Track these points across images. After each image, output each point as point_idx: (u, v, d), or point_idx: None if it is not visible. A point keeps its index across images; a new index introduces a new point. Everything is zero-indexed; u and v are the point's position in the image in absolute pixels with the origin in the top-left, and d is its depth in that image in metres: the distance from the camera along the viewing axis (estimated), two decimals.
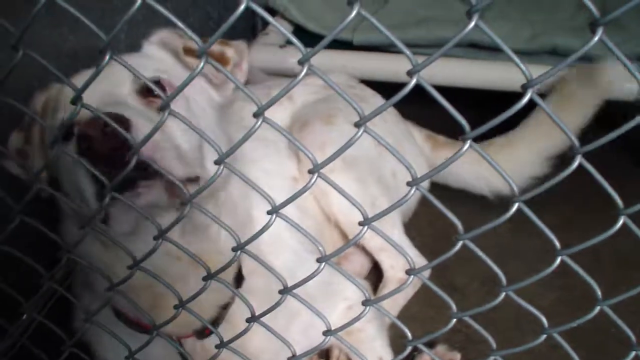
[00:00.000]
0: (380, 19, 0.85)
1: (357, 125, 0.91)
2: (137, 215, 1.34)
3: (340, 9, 3.47)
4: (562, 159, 2.66)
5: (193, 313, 1.36)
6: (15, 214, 1.30)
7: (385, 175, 2.51)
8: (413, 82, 0.86)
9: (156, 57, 1.75)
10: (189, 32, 0.92)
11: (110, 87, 1.51)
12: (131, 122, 1.32)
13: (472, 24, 0.80)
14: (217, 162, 1.04)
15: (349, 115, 2.47)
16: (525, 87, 0.85)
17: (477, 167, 2.81)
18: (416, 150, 2.79)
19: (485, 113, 0.92)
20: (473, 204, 2.68)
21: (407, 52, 0.84)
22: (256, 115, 0.95)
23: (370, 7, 3.41)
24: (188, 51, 1.72)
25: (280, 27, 0.90)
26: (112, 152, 1.27)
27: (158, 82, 1.57)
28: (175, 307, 1.32)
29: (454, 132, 2.88)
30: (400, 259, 2.44)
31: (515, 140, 2.79)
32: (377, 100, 2.74)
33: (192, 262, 1.48)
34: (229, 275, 1.71)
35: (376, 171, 2.47)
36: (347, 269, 2.27)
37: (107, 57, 0.97)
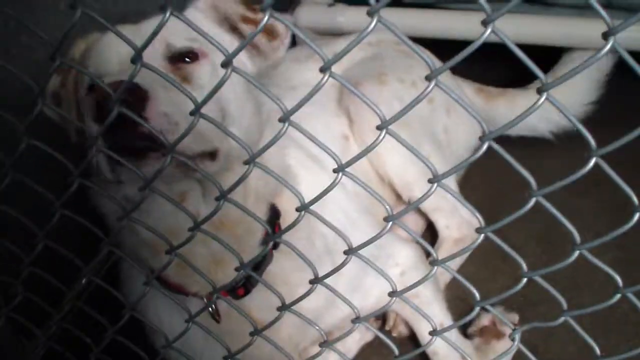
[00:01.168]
0: None
1: (428, 78, 0.88)
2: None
3: None
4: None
5: (247, 270, 1.35)
6: (74, 178, 1.30)
7: (438, 132, 2.49)
8: (488, 31, 0.83)
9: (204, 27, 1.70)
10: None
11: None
12: (149, 93, 1.30)
13: None
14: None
15: (398, 73, 2.45)
16: (606, 35, 0.80)
17: (540, 110, 2.76)
18: (470, 105, 2.72)
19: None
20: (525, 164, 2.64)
21: (483, 1, 0.80)
22: (323, 70, 0.92)
23: None
24: (245, 19, 1.68)
25: None
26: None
27: (191, 52, 1.54)
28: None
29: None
30: (455, 219, 2.42)
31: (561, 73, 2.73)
32: (422, 53, 2.66)
33: (213, 223, 1.48)
34: (256, 235, 1.67)
35: (429, 128, 2.44)
36: (401, 231, 2.24)
37: (168, 14, 0.94)
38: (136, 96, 1.28)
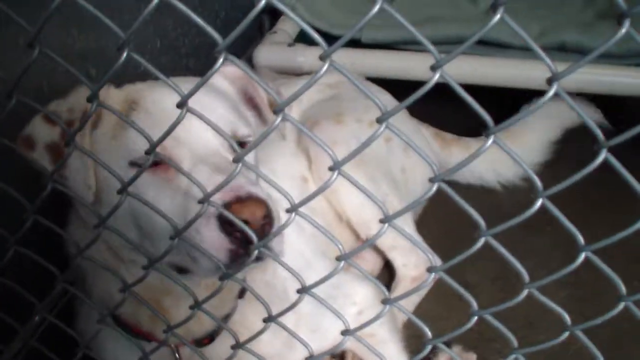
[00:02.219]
0: (387, 17, 0.83)
1: (379, 121, 0.90)
2: None
3: (347, 8, 3.47)
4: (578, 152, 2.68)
5: (209, 314, 1.34)
6: (29, 214, 1.29)
7: (395, 171, 2.51)
8: (436, 76, 0.85)
9: (227, 92, 1.72)
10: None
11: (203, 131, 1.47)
12: (273, 212, 1.34)
13: (498, 16, 0.79)
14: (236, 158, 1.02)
15: (356, 114, 2.48)
16: (551, 81, 0.83)
17: (489, 161, 2.83)
18: (425, 147, 2.79)
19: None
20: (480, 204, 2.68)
21: (431, 47, 0.83)
22: (276, 112, 0.94)
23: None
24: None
25: (299, 21, 0.88)
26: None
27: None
28: (191, 307, 1.31)
29: (453, 129, 2.96)
30: (412, 257, 2.44)
31: (516, 129, 2.87)
32: (384, 96, 2.74)
33: (206, 286, 1.56)
34: (234, 291, 1.73)
35: (386, 168, 2.46)
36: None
37: (125, 55, 0.95)
38: (269, 219, 1.33)
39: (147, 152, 1.08)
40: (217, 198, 1.21)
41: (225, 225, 1.29)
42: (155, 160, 1.33)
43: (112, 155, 1.47)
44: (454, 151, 2.91)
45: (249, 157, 1.58)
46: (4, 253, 1.40)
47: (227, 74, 1.73)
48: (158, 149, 1.25)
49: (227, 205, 1.25)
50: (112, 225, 1.25)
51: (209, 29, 0.90)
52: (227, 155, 1.46)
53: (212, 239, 1.31)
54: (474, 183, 2.94)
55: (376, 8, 0.80)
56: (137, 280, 1.30)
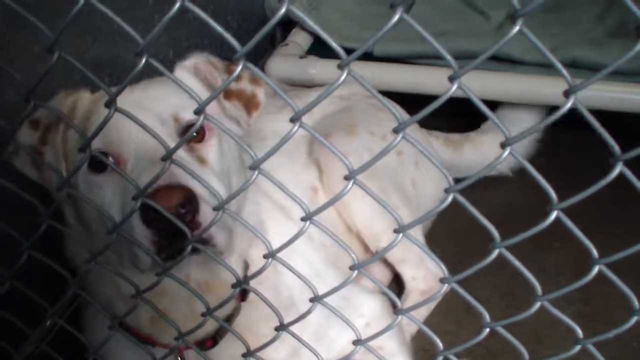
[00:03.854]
0: (400, 31, 0.84)
1: (396, 131, 0.90)
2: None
3: (359, 21, 3.49)
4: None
5: (218, 320, 1.35)
6: (44, 219, 1.30)
7: (406, 184, 2.52)
8: (454, 87, 0.85)
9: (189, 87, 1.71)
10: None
11: (152, 123, 1.47)
12: (198, 198, 1.36)
13: (517, 28, 0.79)
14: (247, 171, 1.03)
15: (368, 125, 2.49)
16: (568, 93, 0.84)
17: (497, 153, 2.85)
18: (437, 158, 2.78)
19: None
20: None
21: (449, 57, 0.84)
22: (293, 120, 0.94)
23: (388, 20, 3.39)
24: (227, 93, 1.73)
25: (322, 34, 0.88)
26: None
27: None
28: (203, 315, 1.32)
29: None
30: (422, 270, 2.44)
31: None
32: (395, 109, 2.71)
33: (200, 286, 1.62)
34: (229, 283, 1.71)
35: (397, 180, 2.47)
36: (367, 282, 2.26)
37: (144, 61, 0.96)
38: (191, 208, 1.34)
39: (80, 149, 1.15)
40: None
41: (147, 217, 1.31)
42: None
43: (77, 154, 1.56)
44: (466, 150, 2.97)
45: (213, 150, 1.61)
46: (16, 257, 1.41)
47: (186, 66, 1.77)
48: (107, 147, 1.46)
49: (148, 196, 1.23)
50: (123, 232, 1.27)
51: (228, 37, 0.91)
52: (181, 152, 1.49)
53: (137, 231, 1.34)
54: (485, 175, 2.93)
55: (396, 18, 0.80)
56: (150, 286, 1.31)
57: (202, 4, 2.85)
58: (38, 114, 1.59)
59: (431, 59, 3.15)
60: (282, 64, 3.31)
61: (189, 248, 1.21)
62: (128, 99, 1.46)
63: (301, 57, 3.32)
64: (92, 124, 1.56)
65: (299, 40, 3.47)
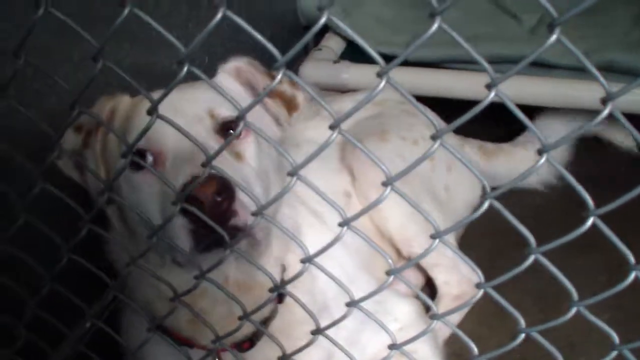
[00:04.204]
0: (433, 35, 0.84)
1: (434, 138, 0.92)
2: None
3: (392, 26, 3.49)
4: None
5: (255, 323, 1.37)
6: (84, 223, 1.32)
7: (438, 190, 2.52)
8: (492, 95, 0.86)
9: (231, 90, 1.73)
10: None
11: (189, 122, 1.52)
12: (235, 189, 1.38)
13: (555, 37, 0.80)
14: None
15: (399, 131, 2.50)
16: (605, 101, 0.84)
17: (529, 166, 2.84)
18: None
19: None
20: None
21: (486, 65, 0.85)
22: (332, 127, 0.96)
23: (421, 25, 3.39)
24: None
25: (363, 43, 0.90)
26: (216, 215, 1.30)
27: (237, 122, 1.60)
28: (240, 318, 1.34)
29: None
30: (455, 275, 2.43)
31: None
32: (430, 115, 2.72)
33: (240, 287, 1.64)
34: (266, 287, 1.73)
35: (430, 186, 2.47)
36: (401, 286, 2.26)
37: (185, 69, 0.98)
38: (227, 196, 1.36)
39: (123, 155, 1.17)
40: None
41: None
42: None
43: (117, 157, 1.64)
44: (498, 161, 2.97)
45: (251, 147, 1.63)
46: (58, 260, 1.43)
47: (229, 70, 1.80)
48: (147, 145, 1.49)
49: (185, 188, 1.26)
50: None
51: (269, 45, 0.93)
52: (214, 146, 1.49)
53: (175, 223, 1.37)
54: (514, 187, 2.93)
55: (435, 26, 0.82)
56: (187, 290, 1.33)
57: (236, 11, 2.86)
58: (81, 119, 1.62)
59: (465, 63, 3.15)
60: (316, 68, 3.33)
61: (227, 238, 1.21)
62: (165, 101, 1.48)
63: (334, 62, 3.34)
64: (133, 126, 1.60)
65: (332, 45, 3.49)
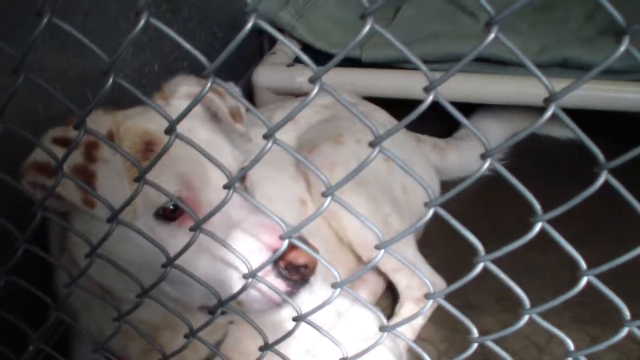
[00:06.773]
0: (379, 37, 0.81)
1: (372, 145, 0.87)
2: None
3: (348, 27, 3.46)
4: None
5: (204, 342, 1.32)
6: (20, 243, 1.26)
7: (396, 191, 2.49)
8: (430, 98, 0.83)
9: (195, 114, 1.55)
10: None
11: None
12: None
13: (492, 35, 0.76)
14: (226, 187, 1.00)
15: (356, 134, 2.46)
16: (548, 101, 0.81)
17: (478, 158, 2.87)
18: (426, 165, 2.82)
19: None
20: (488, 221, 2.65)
21: (424, 67, 0.81)
22: (266, 136, 0.91)
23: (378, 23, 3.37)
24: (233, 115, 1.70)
25: (290, 45, 0.86)
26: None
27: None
28: (186, 335, 1.28)
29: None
30: (416, 278, 2.40)
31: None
32: (381, 115, 2.76)
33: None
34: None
35: (386, 188, 2.44)
36: (362, 292, 2.23)
37: (111, 80, 0.93)
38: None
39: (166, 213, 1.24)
40: (264, 243, 1.31)
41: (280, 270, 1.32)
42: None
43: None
44: (450, 156, 3.06)
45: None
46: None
47: (187, 94, 1.64)
48: (182, 190, 1.37)
49: (283, 255, 1.21)
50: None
51: (196, 53, 0.88)
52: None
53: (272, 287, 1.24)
54: (464, 176, 2.96)
55: (366, 29, 0.78)
56: (131, 309, 1.28)
57: (186, 15, 2.82)
58: (59, 132, 1.39)
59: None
60: (270, 72, 3.30)
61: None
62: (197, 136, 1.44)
63: (288, 65, 3.30)
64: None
65: (286, 48, 3.43)
